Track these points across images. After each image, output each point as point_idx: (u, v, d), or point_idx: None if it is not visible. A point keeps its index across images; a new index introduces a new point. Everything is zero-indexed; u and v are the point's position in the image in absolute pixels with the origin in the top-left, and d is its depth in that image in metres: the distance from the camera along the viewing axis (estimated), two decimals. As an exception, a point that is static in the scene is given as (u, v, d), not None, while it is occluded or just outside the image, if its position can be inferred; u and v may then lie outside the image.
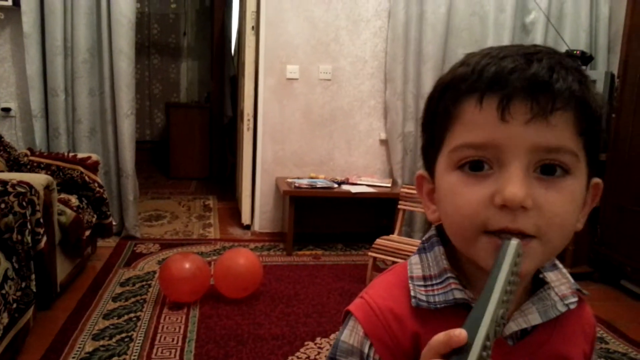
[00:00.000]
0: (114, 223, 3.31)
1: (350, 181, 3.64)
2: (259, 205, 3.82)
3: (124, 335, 2.25)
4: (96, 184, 3.05)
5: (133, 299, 2.61)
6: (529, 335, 0.57)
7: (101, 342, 2.17)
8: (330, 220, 3.86)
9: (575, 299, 0.60)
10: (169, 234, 3.80)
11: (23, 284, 2.06)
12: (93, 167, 3.08)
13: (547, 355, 0.58)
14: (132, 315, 2.44)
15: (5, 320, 1.85)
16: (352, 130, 3.82)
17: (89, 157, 3.10)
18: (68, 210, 2.63)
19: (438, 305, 0.56)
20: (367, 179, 3.68)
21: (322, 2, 3.64)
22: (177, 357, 2.09)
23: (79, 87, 3.41)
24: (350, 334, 0.59)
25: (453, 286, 0.56)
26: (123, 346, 2.15)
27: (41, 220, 2.22)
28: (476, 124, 0.51)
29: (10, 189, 2.08)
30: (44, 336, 2.19)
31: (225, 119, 6.10)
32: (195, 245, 3.52)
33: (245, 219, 3.92)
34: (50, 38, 3.28)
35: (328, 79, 3.72)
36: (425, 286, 0.58)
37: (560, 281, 0.60)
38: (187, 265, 2.49)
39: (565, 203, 0.51)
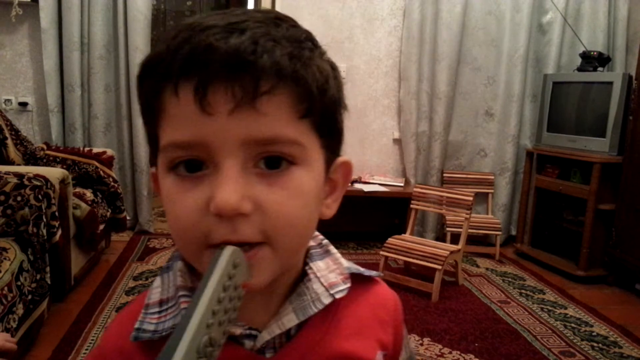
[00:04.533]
0: (128, 218, 3.34)
1: (363, 180, 3.63)
2: (271, 203, 3.82)
3: (136, 328, 2.26)
4: (111, 179, 3.07)
5: (145, 293, 2.63)
6: (295, 339, 0.49)
7: (114, 335, 2.19)
8: (342, 218, 3.79)
9: (345, 286, 0.51)
10: (181, 230, 3.82)
11: (38, 276, 2.08)
12: (108, 161, 3.11)
13: (321, 356, 0.50)
14: (144, 309, 2.45)
15: (21, 311, 1.87)
16: (366, 129, 3.81)
17: (104, 152, 3.13)
18: (83, 204, 2.66)
19: (164, 333, 0.46)
20: (379, 178, 3.68)
21: (337, 0, 3.63)
22: (189, 352, 2.10)
23: (95, 82, 3.44)
24: None
25: (183, 305, 0.47)
26: (135, 340, 2.17)
27: (56, 213, 2.25)
28: (177, 118, 0.41)
29: (26, 182, 2.11)
30: (57, 328, 2.21)
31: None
32: (208, 241, 3.53)
33: (258, 216, 3.92)
34: (67, 34, 3.32)
35: (342, 78, 3.70)
36: (160, 312, 0.49)
37: (330, 268, 0.52)
38: (199, 261, 2.50)
39: (293, 199, 0.43)
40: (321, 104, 0.44)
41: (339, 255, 0.55)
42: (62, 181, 2.37)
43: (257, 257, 0.42)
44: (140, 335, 0.47)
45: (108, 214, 3.00)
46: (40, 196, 2.12)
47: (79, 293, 2.58)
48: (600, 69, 3.35)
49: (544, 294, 2.93)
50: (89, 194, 2.81)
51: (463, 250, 2.95)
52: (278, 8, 3.58)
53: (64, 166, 2.85)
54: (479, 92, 3.78)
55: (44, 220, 2.14)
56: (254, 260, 0.41)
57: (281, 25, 0.43)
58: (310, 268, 0.51)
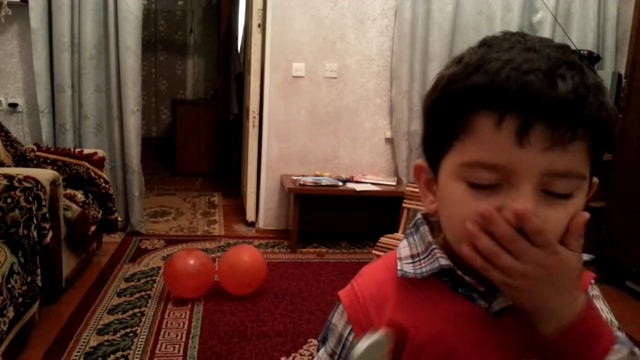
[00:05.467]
0: (119, 219, 3.32)
1: (355, 179, 3.64)
2: (263, 203, 3.83)
3: (128, 330, 2.26)
4: (102, 180, 3.06)
5: (138, 295, 2.62)
6: (516, 309, 0.56)
7: (106, 337, 2.18)
8: (335, 218, 3.86)
9: None
10: (174, 230, 3.81)
11: (29, 279, 2.07)
12: (99, 162, 3.09)
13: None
14: (136, 310, 2.45)
15: (11, 314, 1.86)
16: (358, 129, 3.81)
17: (95, 153, 3.11)
18: (74, 206, 2.65)
19: (424, 274, 0.58)
20: (372, 177, 3.68)
21: (329, 0, 3.63)
22: (181, 353, 2.10)
23: (86, 83, 3.42)
24: (340, 318, 0.64)
25: (438, 255, 0.58)
26: (127, 341, 2.16)
27: (47, 215, 2.24)
28: (491, 144, 0.49)
29: (16, 184, 2.10)
30: (49, 330, 2.20)
31: (231, 116, 6.11)
32: (200, 242, 3.53)
33: (250, 216, 3.93)
34: (58, 34, 3.30)
35: (334, 77, 3.72)
36: (413, 262, 0.60)
37: None
38: (191, 262, 2.50)
39: (566, 221, 0.51)
40: (608, 143, 0.52)
41: None
42: (53, 182, 2.36)
43: None
44: (405, 273, 0.60)
45: (99, 215, 2.98)
46: (30, 198, 2.11)
47: (70, 295, 2.57)
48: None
49: (536, 291, 2.95)
50: (79, 195, 2.80)
51: (455, 249, 2.95)
52: (270, 8, 3.58)
53: (55, 167, 2.84)
54: (470, 91, 3.79)
55: (35, 222, 2.12)
56: None
57: (585, 71, 0.50)
58: None
